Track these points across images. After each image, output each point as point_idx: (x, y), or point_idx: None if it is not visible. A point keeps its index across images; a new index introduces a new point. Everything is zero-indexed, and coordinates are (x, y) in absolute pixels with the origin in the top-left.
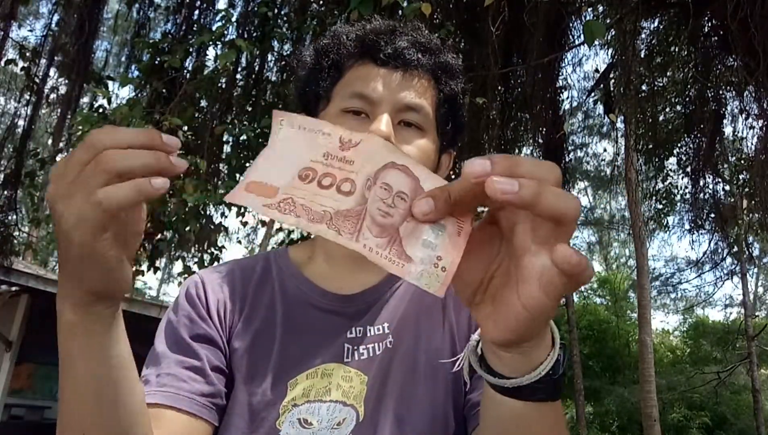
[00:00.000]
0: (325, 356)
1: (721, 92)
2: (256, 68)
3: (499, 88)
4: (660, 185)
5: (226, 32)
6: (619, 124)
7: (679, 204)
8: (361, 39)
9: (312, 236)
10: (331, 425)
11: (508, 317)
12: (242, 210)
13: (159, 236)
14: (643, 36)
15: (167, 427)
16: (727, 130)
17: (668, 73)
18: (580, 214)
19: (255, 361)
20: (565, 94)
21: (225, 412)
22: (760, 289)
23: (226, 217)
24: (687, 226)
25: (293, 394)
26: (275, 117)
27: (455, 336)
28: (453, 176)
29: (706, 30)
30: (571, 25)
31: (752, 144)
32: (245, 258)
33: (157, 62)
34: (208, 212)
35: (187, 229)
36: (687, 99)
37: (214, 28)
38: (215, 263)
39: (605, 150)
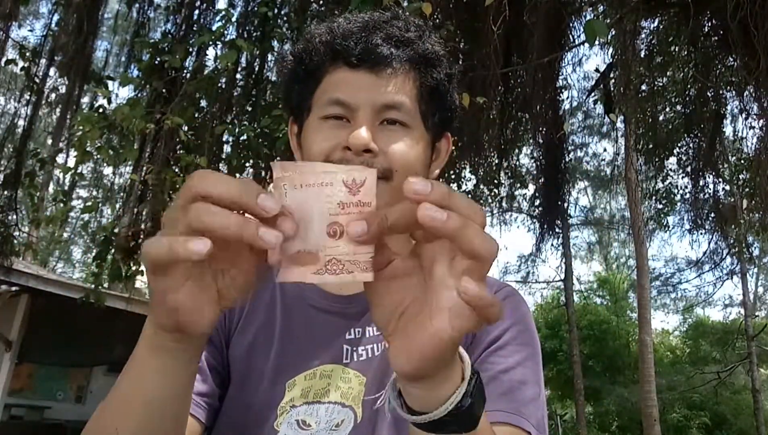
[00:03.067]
0: (324, 357)
1: (721, 92)
2: (256, 68)
3: (500, 87)
4: (660, 185)
5: (226, 32)
6: (619, 124)
7: (679, 204)
8: (331, 43)
9: None
10: (330, 426)
11: (416, 348)
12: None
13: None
14: (643, 36)
15: None
16: (727, 130)
17: (668, 73)
18: (496, 257)
19: (253, 361)
20: (565, 94)
21: (217, 413)
22: (760, 289)
23: None
24: (687, 226)
25: (291, 395)
26: (276, 180)
27: None
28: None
29: (706, 30)
30: (571, 25)
31: (752, 144)
32: None
33: (157, 62)
34: None
35: None
36: (687, 99)
37: (214, 28)
38: None
39: (605, 150)
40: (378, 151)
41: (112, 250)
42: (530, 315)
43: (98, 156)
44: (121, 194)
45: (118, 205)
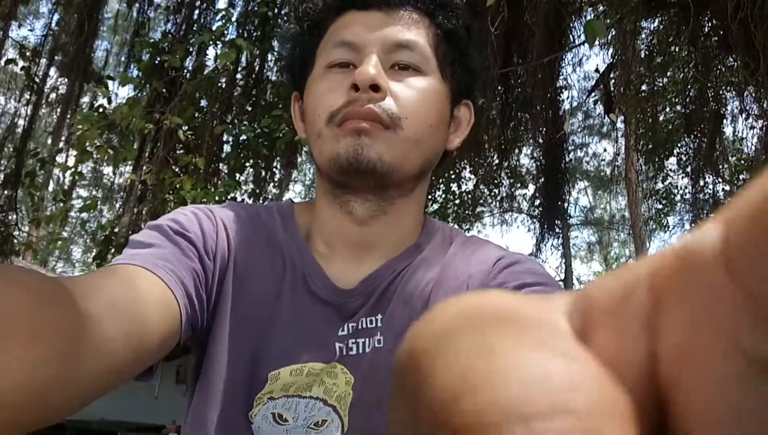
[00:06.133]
0: (314, 354)
1: (721, 92)
2: (256, 68)
3: (499, 88)
4: (660, 185)
5: (226, 32)
6: (619, 124)
7: (679, 204)
8: None
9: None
10: (308, 424)
11: None
12: None
13: None
14: (643, 36)
15: (143, 283)
16: (728, 130)
17: (668, 73)
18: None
19: (242, 335)
20: (566, 94)
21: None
22: None
23: None
24: (687, 226)
25: (272, 387)
26: None
27: None
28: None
29: (707, 30)
30: (571, 25)
31: (752, 144)
32: (249, 205)
33: (157, 62)
34: None
35: None
36: (687, 99)
37: (214, 28)
38: None
39: (605, 150)
40: (386, 92)
41: (112, 250)
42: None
43: (97, 155)
44: (121, 194)
45: (118, 205)
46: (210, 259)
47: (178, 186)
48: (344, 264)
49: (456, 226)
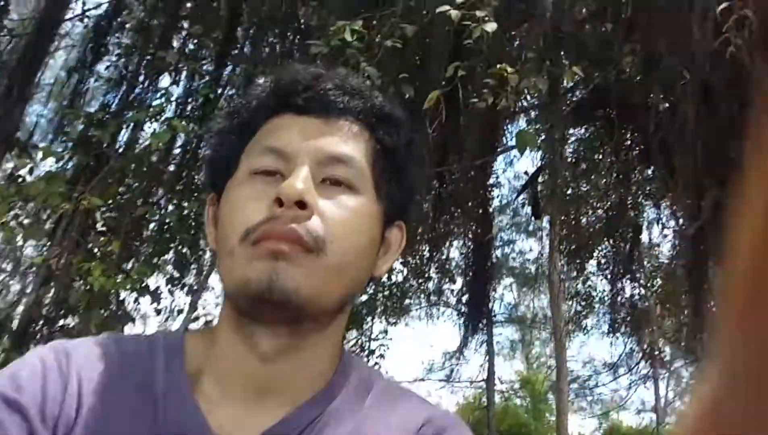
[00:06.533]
0: None
1: (639, 200)
2: (193, 146)
3: (434, 183)
4: (580, 286)
5: (164, 111)
6: (545, 224)
7: (597, 306)
8: (273, 90)
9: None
10: None
11: None
12: (158, 296)
13: (61, 323)
14: (570, 143)
15: None
16: (645, 237)
17: (592, 178)
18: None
19: None
20: (496, 192)
21: None
22: (671, 394)
23: (139, 303)
24: (605, 329)
25: None
26: None
27: None
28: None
29: (629, 142)
30: (504, 128)
31: (666, 251)
32: (128, 339)
33: (89, 134)
34: (120, 298)
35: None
36: (608, 205)
37: (155, 104)
38: None
39: (531, 248)
40: (313, 210)
41: (5, 337)
42: None
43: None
44: (33, 269)
45: (19, 285)
46: (48, 429)
47: (89, 268)
48: (238, 411)
49: (374, 367)
